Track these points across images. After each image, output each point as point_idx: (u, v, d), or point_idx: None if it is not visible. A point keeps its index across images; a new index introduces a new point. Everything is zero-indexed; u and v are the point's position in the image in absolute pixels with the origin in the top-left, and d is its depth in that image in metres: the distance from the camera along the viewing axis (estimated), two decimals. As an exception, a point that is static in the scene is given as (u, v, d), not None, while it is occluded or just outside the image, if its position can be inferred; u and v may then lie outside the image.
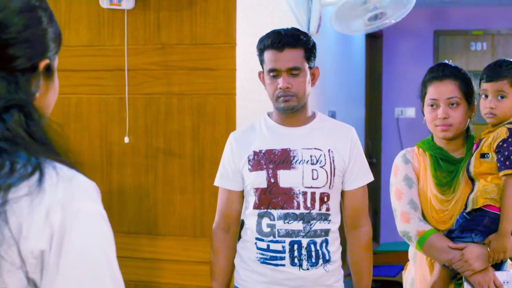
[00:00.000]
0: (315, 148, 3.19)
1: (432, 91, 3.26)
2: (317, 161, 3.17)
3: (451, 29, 9.25)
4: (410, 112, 9.20)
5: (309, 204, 3.15)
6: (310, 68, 3.20)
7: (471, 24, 9.16)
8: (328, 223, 3.18)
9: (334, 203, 3.22)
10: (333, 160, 3.19)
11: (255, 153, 3.22)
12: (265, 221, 3.18)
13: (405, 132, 9.15)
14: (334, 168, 3.18)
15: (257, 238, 3.20)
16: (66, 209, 1.35)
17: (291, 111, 3.19)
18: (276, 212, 3.16)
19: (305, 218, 3.14)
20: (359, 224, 3.32)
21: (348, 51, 7.67)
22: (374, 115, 9.10)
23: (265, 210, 3.18)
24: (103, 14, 4.27)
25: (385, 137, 9.33)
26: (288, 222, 3.14)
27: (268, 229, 3.17)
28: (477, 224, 3.10)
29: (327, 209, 3.18)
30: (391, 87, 9.33)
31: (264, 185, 3.17)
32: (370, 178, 3.32)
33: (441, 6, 9.08)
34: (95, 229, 1.40)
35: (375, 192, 8.73)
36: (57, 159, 1.44)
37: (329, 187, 3.18)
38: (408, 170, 3.33)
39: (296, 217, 3.14)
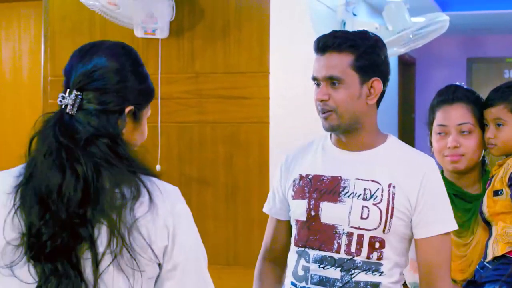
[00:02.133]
0: (372, 180, 2.53)
1: (441, 116, 2.85)
2: (371, 197, 2.51)
3: (484, 56, 9.22)
4: (444, 139, 9.15)
5: (352, 249, 2.50)
6: (363, 79, 2.53)
7: (505, 51, 9.12)
8: (380, 275, 2.51)
9: (392, 252, 2.52)
10: (393, 198, 2.50)
11: (301, 177, 2.64)
12: (302, 262, 2.59)
13: (438, 160, 9.10)
14: (393, 208, 2.49)
15: (292, 283, 2.63)
16: (174, 215, 1.93)
17: (333, 131, 2.59)
18: (312, 253, 2.56)
19: (345, 266, 2.51)
20: (434, 285, 2.55)
21: (380, 78, 7.65)
22: (407, 143, 9.02)
23: (303, 248, 2.59)
24: (138, 43, 4.31)
25: (418, 165, 9.27)
26: (323, 268, 2.53)
27: (302, 273, 2.58)
28: (501, 274, 2.63)
29: (379, 258, 2.50)
30: (424, 115, 9.28)
31: (303, 217, 2.59)
32: (450, 226, 2.55)
33: (474, 33, 9.06)
34: (191, 222, 2.00)
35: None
36: (144, 172, 1.96)
37: (383, 230, 2.49)
38: None
39: (333, 263, 2.52)
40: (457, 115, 2.81)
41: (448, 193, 2.65)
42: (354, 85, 2.50)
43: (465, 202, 2.85)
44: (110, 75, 1.97)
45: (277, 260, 2.81)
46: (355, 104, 2.52)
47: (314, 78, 2.56)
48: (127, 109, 1.98)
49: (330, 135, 2.66)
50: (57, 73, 4.30)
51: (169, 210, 1.93)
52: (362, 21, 5.66)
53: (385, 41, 2.66)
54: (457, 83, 2.97)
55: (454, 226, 2.54)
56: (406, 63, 8.79)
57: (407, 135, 9.07)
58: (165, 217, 1.92)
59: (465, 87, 2.92)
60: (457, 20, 7.58)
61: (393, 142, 2.66)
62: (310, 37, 4.80)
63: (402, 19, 5.56)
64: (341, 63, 2.49)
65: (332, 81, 2.50)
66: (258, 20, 4.08)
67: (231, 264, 4.15)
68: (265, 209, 2.83)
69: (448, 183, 2.77)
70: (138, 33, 4.15)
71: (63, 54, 4.40)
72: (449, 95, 2.86)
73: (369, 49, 2.52)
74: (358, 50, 2.50)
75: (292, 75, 4.39)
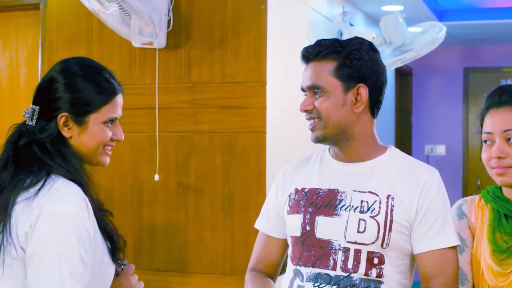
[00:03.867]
0: (369, 192, 2.39)
1: (488, 122, 2.43)
2: (368, 209, 2.36)
3: (481, 66, 9.23)
4: (440, 149, 9.16)
5: (349, 265, 2.34)
6: (347, 87, 2.40)
7: (502, 61, 9.13)
8: None
9: (393, 269, 2.36)
10: (392, 210, 2.35)
11: (296, 191, 2.51)
12: (296, 281, 2.43)
13: (435, 170, 9.09)
14: (391, 221, 2.34)
15: None
16: (43, 207, 2.07)
17: (320, 142, 2.46)
18: (306, 271, 2.40)
19: (341, 284, 2.33)
20: None
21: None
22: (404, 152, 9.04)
23: (297, 266, 2.43)
24: (135, 53, 4.31)
25: (415, 174, 9.27)
26: (318, 286, 2.36)
27: None
28: None
29: (379, 275, 2.33)
30: (421, 125, 9.31)
31: (298, 233, 2.44)
32: (451, 240, 2.37)
33: (471, 43, 9.07)
34: (63, 223, 2.07)
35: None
36: (67, 176, 2.16)
37: (382, 245, 2.33)
38: (462, 228, 2.51)
39: (329, 280, 2.35)
40: (502, 120, 2.39)
41: (498, 212, 2.42)
42: (337, 93, 2.40)
43: None
44: (43, 88, 2.24)
45: (267, 274, 2.63)
46: (339, 113, 2.40)
47: (301, 89, 2.49)
48: (60, 116, 2.21)
49: (329, 148, 2.55)
50: (55, 83, 4.29)
51: (43, 204, 2.08)
52: (359, 31, 5.67)
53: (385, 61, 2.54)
54: (509, 84, 2.53)
55: (455, 241, 2.37)
56: (403, 73, 8.80)
57: (404, 145, 9.07)
58: (35, 208, 2.08)
59: None
60: (454, 30, 7.60)
61: (394, 154, 2.52)
62: (307, 47, 4.81)
63: (399, 31, 5.58)
64: (322, 71, 2.41)
65: (315, 90, 2.42)
66: (256, 30, 4.09)
67: (228, 274, 4.15)
68: (258, 225, 2.68)
69: (503, 201, 2.44)
70: (136, 43, 4.15)
71: (61, 63, 4.41)
72: (496, 97, 2.43)
73: (352, 55, 2.40)
74: (339, 56, 2.40)
75: (289, 85, 4.39)
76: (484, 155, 2.43)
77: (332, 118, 2.40)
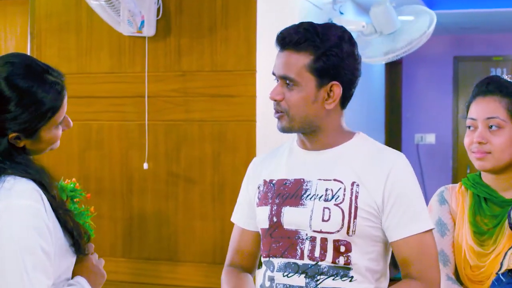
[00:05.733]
0: (334, 180, 2.34)
1: (473, 109, 2.56)
2: (333, 197, 2.32)
3: (471, 55, 9.25)
4: (430, 138, 9.18)
5: (316, 254, 2.31)
6: (321, 83, 2.32)
7: (491, 50, 9.15)
8: (350, 281, 2.31)
9: (363, 257, 2.33)
10: (356, 197, 2.30)
11: (265, 182, 2.48)
12: (268, 273, 2.41)
13: (425, 159, 9.12)
14: (356, 208, 2.29)
15: None
16: (3, 205, 2.03)
17: (286, 132, 2.41)
18: (276, 261, 2.37)
19: (309, 272, 2.31)
20: (423, 275, 2.31)
21: (367, 77, 7.67)
22: (394, 142, 9.08)
23: (267, 258, 2.41)
24: (124, 42, 4.30)
25: (405, 163, 9.29)
26: (287, 276, 2.34)
27: (268, 284, 2.39)
28: None
29: (347, 263, 2.30)
30: (410, 114, 9.32)
31: (266, 225, 2.42)
32: (425, 225, 2.32)
33: (460, 32, 9.08)
34: (15, 217, 2.03)
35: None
36: (25, 176, 2.10)
37: (348, 232, 2.29)
38: (443, 213, 2.62)
39: (297, 269, 2.33)
40: (487, 108, 2.51)
41: (478, 197, 2.55)
42: (309, 88, 2.32)
43: (496, 207, 2.55)
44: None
45: (244, 268, 2.60)
46: (308, 109, 2.33)
47: (273, 73, 2.40)
48: (11, 136, 2.14)
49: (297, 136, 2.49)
50: (44, 71, 4.28)
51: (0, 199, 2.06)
52: (349, 20, 5.67)
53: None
54: (498, 75, 2.68)
55: (429, 225, 2.32)
56: (393, 62, 8.79)
57: (394, 134, 9.09)
58: None
59: (504, 78, 2.59)
60: (443, 18, 7.60)
61: (360, 140, 2.43)
62: (297, 36, 4.80)
63: (389, 20, 5.57)
64: (297, 63, 2.31)
65: (287, 81, 2.33)
66: (245, 18, 4.08)
67: (218, 263, 4.15)
68: (233, 218, 2.65)
69: (482, 186, 2.58)
70: (125, 31, 4.14)
71: (50, 52, 4.39)
72: (483, 87, 2.55)
73: (330, 50, 2.30)
74: (317, 51, 2.30)
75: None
76: (466, 140, 2.55)
77: (300, 113, 2.33)
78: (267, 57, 4.20)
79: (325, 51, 2.30)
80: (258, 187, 2.50)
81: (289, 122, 2.35)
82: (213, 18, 4.15)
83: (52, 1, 4.46)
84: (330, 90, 2.33)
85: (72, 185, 3.50)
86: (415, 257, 2.30)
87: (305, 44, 2.30)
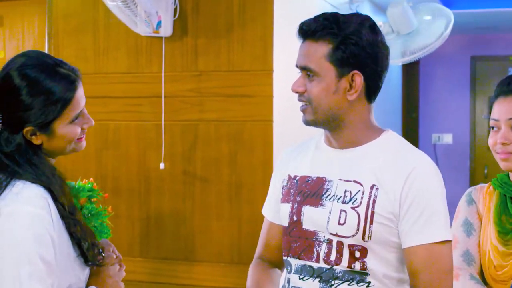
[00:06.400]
0: (354, 181, 2.24)
1: (495, 109, 2.53)
2: (350, 199, 2.23)
3: (488, 54, 9.21)
4: (447, 138, 9.14)
5: (332, 257, 2.23)
6: (341, 73, 2.23)
7: (509, 49, 9.10)
8: (367, 286, 2.21)
9: (380, 263, 2.22)
10: (374, 201, 2.20)
11: (289, 178, 2.41)
12: (286, 273, 2.37)
13: (442, 159, 9.08)
14: (373, 213, 2.19)
15: None
16: (2, 208, 2.04)
17: (310, 125, 2.34)
18: (294, 263, 2.32)
19: (324, 276, 2.24)
20: None
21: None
22: (410, 142, 8.90)
23: (286, 257, 2.36)
24: (141, 42, 4.31)
25: (422, 163, 9.27)
26: (302, 279, 2.28)
27: (287, 285, 2.35)
28: None
29: (363, 268, 2.20)
30: (428, 113, 9.29)
31: (286, 223, 2.36)
32: (439, 235, 2.18)
33: (478, 32, 9.04)
34: (15, 223, 2.03)
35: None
36: (35, 182, 2.10)
37: (363, 238, 2.20)
38: (470, 213, 2.59)
39: (312, 273, 2.26)
40: (509, 109, 2.49)
41: (505, 197, 2.53)
42: (329, 78, 2.22)
43: None
44: (4, 95, 2.16)
45: (272, 262, 2.52)
46: (330, 99, 2.24)
47: (296, 66, 2.32)
48: (25, 130, 2.15)
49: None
50: (61, 72, 4.29)
51: (2, 205, 2.06)
52: (365, 20, 5.65)
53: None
54: None
55: (444, 235, 2.18)
56: (410, 62, 8.78)
57: (411, 134, 9.06)
58: None
59: None
60: (461, 18, 7.56)
61: (387, 138, 2.32)
62: (314, 36, 4.80)
63: (406, 20, 5.55)
64: (316, 53, 2.23)
65: (307, 72, 2.25)
66: (262, 18, 4.08)
67: (235, 262, 4.15)
68: (263, 210, 2.58)
69: (508, 185, 2.54)
70: (142, 32, 4.15)
71: (67, 52, 4.41)
72: (504, 86, 2.53)
73: (349, 38, 2.21)
74: (336, 39, 2.21)
75: (296, 73, 4.38)
76: (490, 141, 2.53)
77: (323, 104, 2.24)
78: (284, 57, 4.20)
79: (343, 39, 2.20)
80: (283, 182, 2.43)
81: (312, 114, 2.27)
82: (230, 18, 4.15)
83: (70, 1, 4.47)
84: (352, 80, 2.23)
85: (89, 185, 3.52)
86: (423, 268, 2.17)
87: (323, 32, 2.22)
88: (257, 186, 4.08)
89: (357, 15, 2.30)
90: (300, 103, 2.31)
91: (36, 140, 2.17)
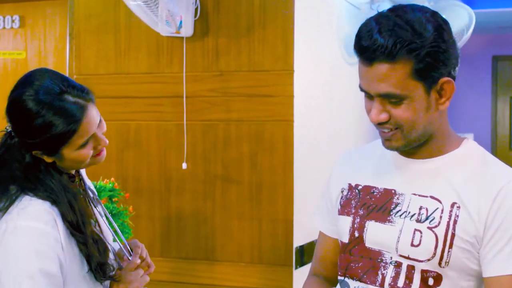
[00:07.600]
0: (431, 197, 1.97)
1: None
2: (427, 218, 1.94)
3: (510, 54, 9.16)
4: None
5: (400, 283, 1.96)
6: (430, 85, 1.93)
7: (531, 49, 9.07)
8: None
9: None
10: (455, 222, 1.92)
11: (350, 187, 2.15)
12: None
13: (463, 159, 9.04)
14: (453, 235, 1.91)
15: None
16: (8, 223, 2.08)
17: (398, 150, 2.04)
18: (352, 285, 2.06)
19: None
20: None
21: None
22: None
23: (343, 278, 2.10)
24: (162, 42, 4.32)
25: (443, 163, 9.25)
26: None
27: None
28: None
29: None
30: (449, 114, 9.23)
31: (345, 238, 2.10)
32: None
33: (499, 31, 8.99)
34: (19, 239, 2.05)
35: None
36: (43, 197, 2.12)
37: (440, 263, 1.92)
38: None
39: None
40: None
41: None
42: (418, 96, 1.91)
43: None
44: (16, 117, 2.17)
45: (327, 280, 2.29)
46: (424, 118, 1.95)
47: (362, 90, 1.98)
48: (34, 152, 2.18)
49: None
50: (82, 72, 4.31)
51: (9, 220, 2.09)
52: (387, 19, 5.62)
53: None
54: None
55: None
56: (431, 61, 8.78)
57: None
58: (2, 222, 2.10)
59: None
60: (482, 17, 7.52)
61: (468, 149, 2.06)
62: (335, 35, 4.79)
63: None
64: (397, 75, 1.87)
65: (390, 99, 1.92)
66: (283, 18, 4.08)
67: (256, 263, 4.15)
68: (318, 223, 2.31)
69: None
70: (163, 32, 4.16)
71: (88, 52, 4.42)
72: None
73: (434, 47, 1.88)
74: (418, 54, 1.86)
75: (317, 73, 4.38)
76: None
77: (416, 126, 1.95)
78: (305, 57, 4.20)
79: (429, 51, 1.88)
80: (342, 191, 2.17)
81: (403, 139, 1.97)
82: (251, 18, 4.15)
83: (91, 2, 4.49)
84: (441, 89, 1.96)
85: (110, 185, 3.53)
86: None
87: (402, 51, 1.86)
88: (277, 186, 4.07)
89: (420, 9, 1.95)
90: (384, 131, 1.99)
91: (47, 159, 2.20)
